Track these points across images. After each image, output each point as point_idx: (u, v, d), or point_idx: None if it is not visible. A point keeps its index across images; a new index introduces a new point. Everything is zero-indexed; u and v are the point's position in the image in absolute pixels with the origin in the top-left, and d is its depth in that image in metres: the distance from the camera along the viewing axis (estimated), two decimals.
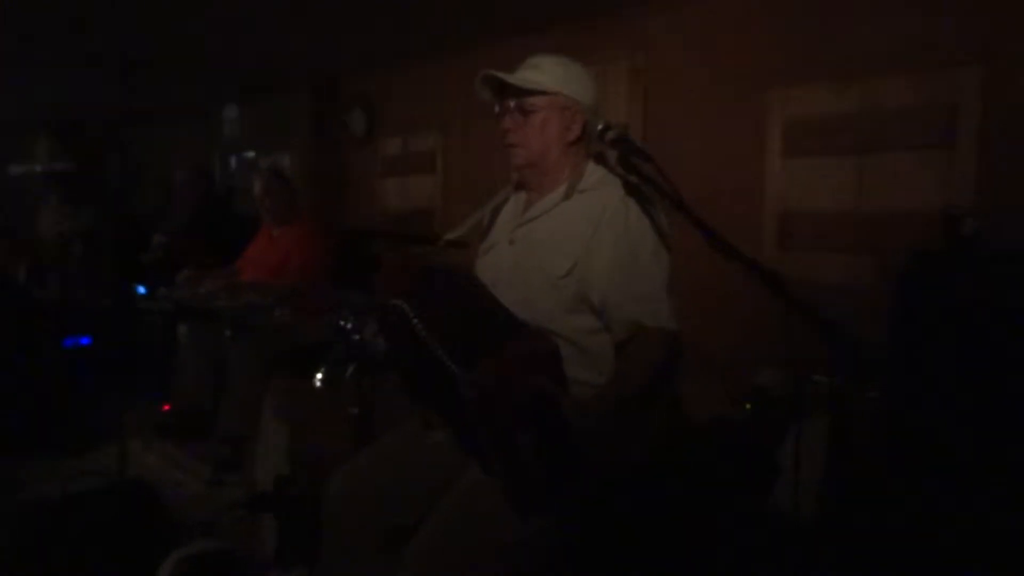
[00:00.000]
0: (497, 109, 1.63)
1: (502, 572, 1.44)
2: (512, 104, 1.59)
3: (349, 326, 2.33)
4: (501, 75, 1.58)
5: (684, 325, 1.51)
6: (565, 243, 1.55)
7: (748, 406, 2.51)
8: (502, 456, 1.35)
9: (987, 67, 2.40)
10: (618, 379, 1.49)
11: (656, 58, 3.38)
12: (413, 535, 1.47)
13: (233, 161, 6.71)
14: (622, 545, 1.60)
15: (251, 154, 6.44)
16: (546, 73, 1.58)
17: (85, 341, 3.95)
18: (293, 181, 3.85)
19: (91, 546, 2.16)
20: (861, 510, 2.03)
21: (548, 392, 1.33)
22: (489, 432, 1.35)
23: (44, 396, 3.53)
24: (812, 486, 2.12)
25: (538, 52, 1.64)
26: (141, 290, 3.87)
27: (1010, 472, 1.83)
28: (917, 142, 2.57)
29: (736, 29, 3.08)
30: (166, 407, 3.61)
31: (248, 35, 4.06)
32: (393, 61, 4.70)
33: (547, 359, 1.37)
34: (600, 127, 1.50)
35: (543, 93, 1.57)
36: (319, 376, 2.37)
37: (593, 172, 1.62)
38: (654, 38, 3.37)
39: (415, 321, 1.36)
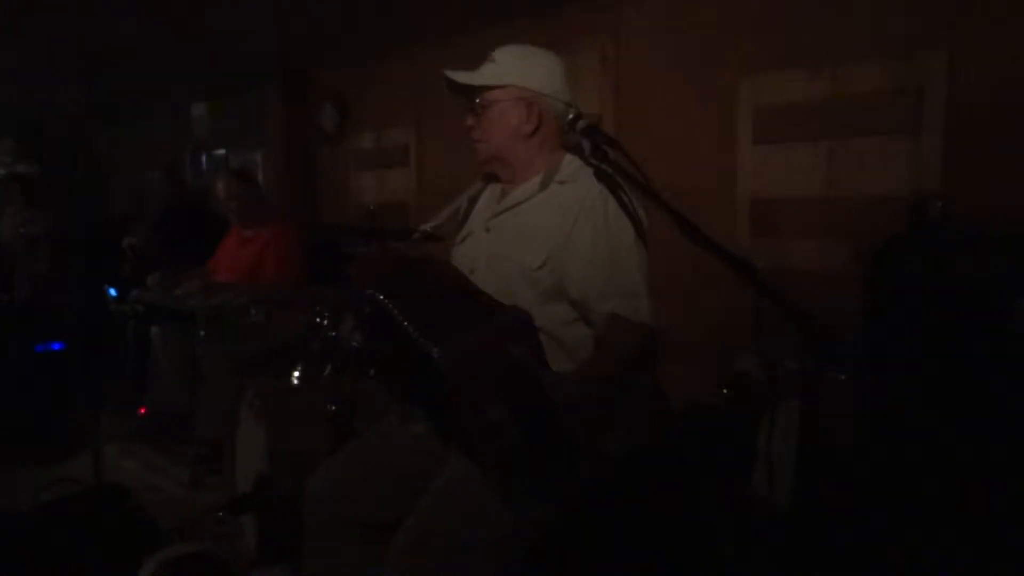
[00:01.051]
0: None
1: (488, 565, 1.44)
2: (475, 100, 1.59)
3: (325, 323, 2.32)
4: (451, 74, 1.58)
5: (659, 309, 1.52)
6: (540, 235, 1.54)
7: (725, 391, 2.53)
8: (485, 437, 1.31)
9: (952, 51, 2.44)
10: (595, 360, 1.50)
11: (626, 47, 3.39)
12: (396, 530, 1.46)
13: (204, 160, 6.63)
14: (602, 533, 1.61)
15: (222, 152, 6.36)
16: (501, 65, 1.58)
17: (57, 346, 3.88)
18: (257, 181, 3.75)
19: (69, 554, 2.14)
20: (833, 493, 2.06)
21: (523, 360, 1.31)
22: (468, 408, 1.30)
23: (16, 404, 3.46)
24: (787, 470, 2.14)
25: (504, 44, 1.62)
26: (112, 292, 3.81)
27: (981, 452, 1.86)
28: (885, 127, 2.61)
29: (706, 17, 3.10)
30: (142, 411, 3.57)
31: (217, 31, 4.00)
32: (364, 56, 4.66)
33: (521, 330, 1.35)
34: (570, 117, 1.48)
35: (495, 87, 1.57)
36: (296, 374, 2.36)
37: (570, 163, 1.61)
38: (624, 27, 3.38)
39: (392, 310, 1.33)
